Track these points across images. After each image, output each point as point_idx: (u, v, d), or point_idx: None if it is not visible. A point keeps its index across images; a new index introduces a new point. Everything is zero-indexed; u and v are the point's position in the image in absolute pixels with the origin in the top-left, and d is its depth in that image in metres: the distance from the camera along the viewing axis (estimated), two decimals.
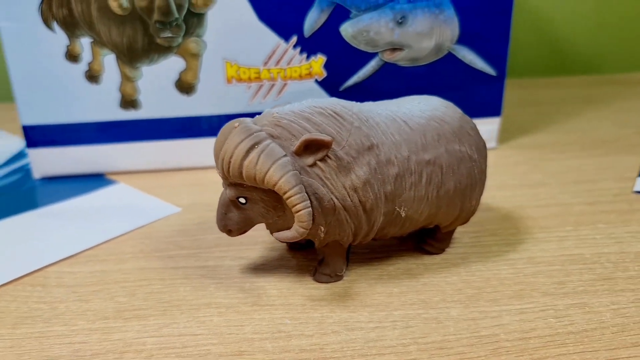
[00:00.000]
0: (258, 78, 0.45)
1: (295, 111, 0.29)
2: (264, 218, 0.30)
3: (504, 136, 0.53)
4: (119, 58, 0.43)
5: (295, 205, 0.27)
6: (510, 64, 0.61)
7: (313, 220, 0.28)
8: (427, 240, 0.34)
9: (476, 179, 0.31)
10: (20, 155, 0.52)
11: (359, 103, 0.31)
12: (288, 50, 0.45)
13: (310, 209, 0.27)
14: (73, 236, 0.37)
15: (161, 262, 0.34)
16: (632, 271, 0.32)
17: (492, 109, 0.49)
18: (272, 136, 0.28)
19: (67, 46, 0.43)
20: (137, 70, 0.44)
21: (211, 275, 0.33)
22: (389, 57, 0.46)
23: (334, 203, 0.28)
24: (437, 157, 0.30)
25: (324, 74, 0.46)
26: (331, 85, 0.46)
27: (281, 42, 0.44)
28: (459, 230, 0.36)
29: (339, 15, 0.44)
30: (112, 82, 0.44)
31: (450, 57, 0.47)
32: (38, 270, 0.34)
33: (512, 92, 0.63)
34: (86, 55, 0.43)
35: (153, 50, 0.43)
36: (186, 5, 0.42)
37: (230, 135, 0.28)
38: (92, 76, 0.44)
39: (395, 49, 0.46)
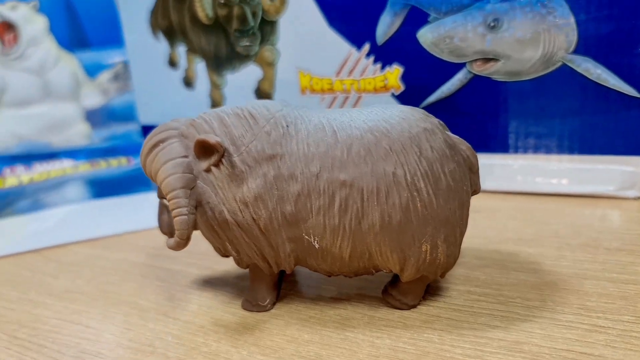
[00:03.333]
0: (331, 89, 0.42)
1: (218, 110, 0.26)
2: None
3: None
4: (207, 65, 0.45)
5: (172, 210, 0.24)
6: None
7: (217, 234, 0.25)
8: (388, 289, 0.26)
9: (422, 216, 0.23)
10: None
11: (303, 107, 0.26)
12: (361, 59, 0.40)
13: (185, 216, 0.24)
14: (111, 222, 0.40)
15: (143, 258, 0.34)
16: None
17: (632, 143, 0.36)
18: (182, 135, 0.26)
19: (169, 54, 0.47)
20: (223, 78, 0.45)
21: (165, 277, 0.31)
22: (480, 68, 0.37)
23: (225, 216, 0.24)
24: (357, 178, 0.23)
25: (402, 87, 0.40)
26: (410, 100, 0.40)
27: (353, 50, 0.40)
28: (460, 287, 0.27)
29: (416, 19, 0.38)
30: (203, 87, 0.46)
31: (566, 71, 0.36)
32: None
33: None
34: (182, 62, 0.46)
35: (235, 58, 0.44)
36: (260, 13, 0.42)
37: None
38: (188, 82, 0.47)
39: (488, 59, 0.37)
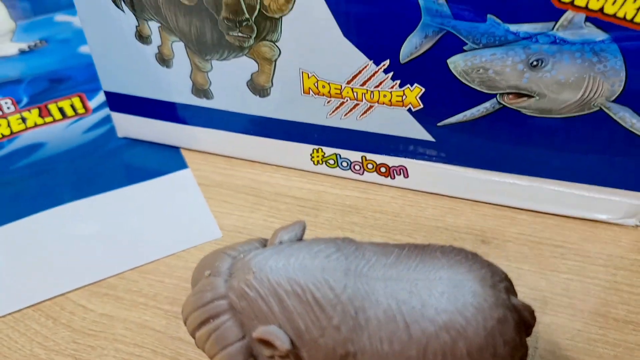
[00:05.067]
0: (339, 95, 0.37)
1: (272, 279, 0.23)
2: None
3: None
4: (187, 47, 0.38)
5: None
6: None
7: None
8: None
9: None
10: None
11: (357, 272, 0.24)
12: (378, 73, 0.35)
13: None
14: (104, 258, 0.37)
15: (154, 316, 0.33)
16: None
17: None
18: (233, 308, 0.23)
19: (136, 27, 0.38)
20: (207, 63, 0.38)
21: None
22: (510, 101, 0.34)
23: None
24: None
25: (420, 105, 0.36)
26: (428, 118, 0.37)
27: (370, 63, 0.35)
28: None
29: (449, 45, 0.33)
30: (183, 68, 0.40)
31: (601, 116, 0.34)
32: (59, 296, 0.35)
33: None
34: (155, 38, 0.38)
35: (223, 46, 0.37)
36: (258, 7, 0.34)
37: (195, 289, 0.24)
38: (163, 59, 0.40)
39: (521, 94, 0.34)
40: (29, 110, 0.49)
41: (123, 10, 0.38)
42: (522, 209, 0.39)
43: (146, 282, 0.36)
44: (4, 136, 0.46)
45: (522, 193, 0.38)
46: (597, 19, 0.30)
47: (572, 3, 0.29)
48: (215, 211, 0.40)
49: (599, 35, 0.30)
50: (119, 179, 0.42)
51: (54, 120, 0.48)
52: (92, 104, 0.50)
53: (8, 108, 0.49)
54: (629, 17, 0.29)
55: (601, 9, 0.29)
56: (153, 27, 0.38)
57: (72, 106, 0.50)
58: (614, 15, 0.29)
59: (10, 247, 0.37)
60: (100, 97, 0.51)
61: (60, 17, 0.63)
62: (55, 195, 0.41)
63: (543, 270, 0.35)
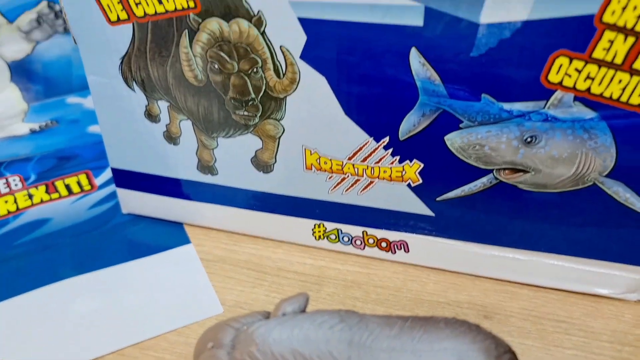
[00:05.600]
0: (341, 170, 0.38)
1: (275, 351, 0.23)
2: None
3: None
4: (195, 125, 0.40)
5: None
6: None
7: None
8: None
9: None
10: None
11: (361, 343, 0.24)
12: (378, 149, 0.37)
13: None
14: (105, 333, 0.37)
15: None
16: None
17: None
18: None
19: (146, 106, 0.40)
20: (214, 140, 0.40)
21: None
22: (506, 177, 0.35)
23: None
24: None
25: (420, 180, 0.37)
26: (427, 193, 0.38)
27: (370, 140, 0.36)
28: None
29: (446, 122, 0.34)
30: (189, 145, 0.41)
31: (596, 191, 0.34)
32: None
33: None
34: (164, 116, 0.40)
35: (230, 124, 0.39)
36: (264, 88, 0.36)
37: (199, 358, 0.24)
38: (171, 137, 0.41)
39: (517, 169, 0.35)
40: (36, 187, 0.50)
41: (134, 90, 0.39)
42: (523, 284, 0.40)
43: (147, 358, 0.35)
44: (9, 212, 0.47)
45: (523, 268, 0.39)
46: (585, 98, 0.31)
47: (560, 83, 0.31)
48: (217, 286, 0.40)
49: (588, 113, 0.32)
50: (121, 254, 0.43)
51: (60, 197, 0.49)
52: (98, 180, 0.51)
53: (16, 185, 0.50)
54: (615, 96, 0.31)
55: (588, 89, 0.31)
56: (162, 106, 0.40)
57: (79, 183, 0.51)
58: (601, 95, 0.31)
59: (11, 322, 0.37)
60: (106, 174, 0.52)
61: (71, 99, 0.65)
62: (57, 270, 0.41)
63: (547, 346, 0.35)
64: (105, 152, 0.43)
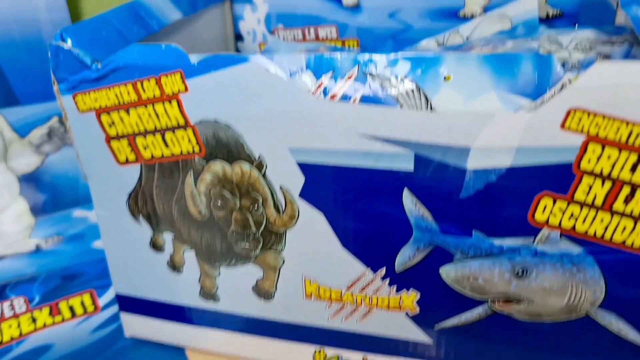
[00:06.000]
0: (340, 299, 0.39)
1: None
2: None
3: None
4: (198, 255, 0.41)
5: None
6: None
7: None
8: None
9: None
10: None
11: None
12: (375, 280, 0.38)
13: None
14: None
15: None
16: None
17: None
18: None
19: (152, 237, 0.42)
20: (216, 269, 0.41)
21: None
22: (500, 307, 0.36)
23: None
24: None
25: (417, 310, 0.38)
26: (425, 321, 0.38)
27: (367, 271, 0.38)
28: None
29: (440, 255, 0.36)
30: (192, 273, 0.42)
31: (589, 321, 0.35)
32: None
33: None
34: (168, 247, 0.42)
35: (232, 255, 0.40)
36: (264, 223, 0.38)
37: None
38: (174, 266, 0.42)
39: (510, 300, 0.36)
40: (40, 309, 0.51)
41: (140, 223, 0.41)
42: None
43: None
44: (13, 338, 0.47)
45: None
46: (570, 235, 0.33)
47: (546, 222, 0.33)
48: None
49: (575, 249, 0.33)
50: None
51: (63, 320, 0.49)
52: (101, 301, 0.52)
53: (20, 307, 0.51)
54: (598, 234, 0.32)
55: (573, 227, 0.33)
56: (167, 237, 0.41)
57: (82, 304, 0.51)
58: (585, 233, 0.32)
59: None
60: (110, 294, 0.53)
61: (78, 213, 0.67)
62: None
63: None
64: (108, 271, 0.45)
